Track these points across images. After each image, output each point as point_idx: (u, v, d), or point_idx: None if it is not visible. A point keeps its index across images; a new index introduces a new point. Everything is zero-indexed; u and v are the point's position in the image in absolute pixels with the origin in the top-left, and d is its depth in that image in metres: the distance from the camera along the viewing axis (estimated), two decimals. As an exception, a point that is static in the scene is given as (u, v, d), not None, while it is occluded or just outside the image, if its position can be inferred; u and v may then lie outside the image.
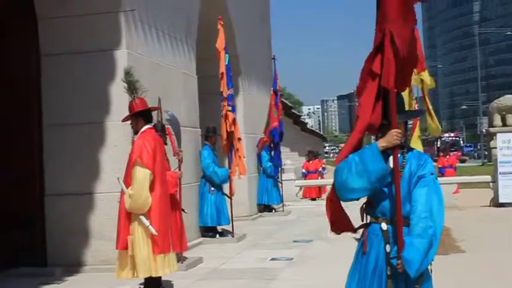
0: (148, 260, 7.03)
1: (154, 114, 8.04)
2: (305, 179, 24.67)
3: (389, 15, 4.03)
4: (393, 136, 4.01)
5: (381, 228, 4.13)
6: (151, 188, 7.06)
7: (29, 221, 9.47)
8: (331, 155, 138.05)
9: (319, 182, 24.22)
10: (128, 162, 7.20)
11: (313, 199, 23.16)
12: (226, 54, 12.00)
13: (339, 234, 4.52)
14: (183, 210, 9.37)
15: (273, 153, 17.20)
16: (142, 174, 6.96)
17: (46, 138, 9.49)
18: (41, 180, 9.49)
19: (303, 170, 25.69)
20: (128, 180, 7.10)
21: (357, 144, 4.17)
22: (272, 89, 17.54)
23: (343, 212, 4.35)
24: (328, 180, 25.21)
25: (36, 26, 9.51)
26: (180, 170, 9.12)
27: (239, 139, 12.47)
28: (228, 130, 12.03)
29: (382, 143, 4.04)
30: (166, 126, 9.00)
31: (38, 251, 9.36)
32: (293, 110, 38.24)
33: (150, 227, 6.98)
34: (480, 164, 54.16)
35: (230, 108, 12.04)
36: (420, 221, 3.93)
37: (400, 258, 3.90)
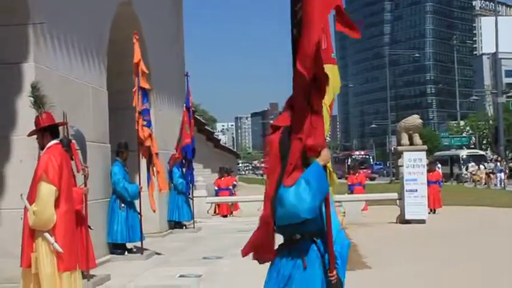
0: (53, 278, 6.88)
1: (61, 129, 7.92)
2: (217, 196, 24.70)
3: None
4: (328, 155, 4.18)
5: (316, 243, 4.24)
6: (57, 205, 6.91)
7: None
8: (245, 171, 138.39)
9: (230, 199, 24.32)
10: (33, 178, 7.06)
11: (225, 216, 23.22)
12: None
13: (261, 263, 4.51)
14: (89, 226, 9.24)
15: (185, 169, 17.18)
16: (47, 191, 6.83)
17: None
18: None
19: (215, 187, 25.72)
20: (32, 196, 6.95)
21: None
22: (184, 105, 17.54)
23: (273, 236, 4.36)
24: (239, 198, 25.41)
25: None
26: (86, 186, 9.00)
27: (156, 154, 12.39)
28: (145, 145, 12.03)
29: (320, 161, 4.14)
30: (72, 141, 8.87)
31: None
32: (206, 127, 38.28)
33: (55, 244, 6.84)
34: (388, 181, 55.50)
35: (145, 123, 12.00)
36: (338, 235, 4.24)
37: (332, 270, 4.14)
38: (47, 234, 6.85)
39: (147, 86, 12.23)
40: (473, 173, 49.99)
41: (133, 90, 12.06)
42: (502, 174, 45.59)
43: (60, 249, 6.84)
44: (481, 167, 50.08)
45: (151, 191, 12.33)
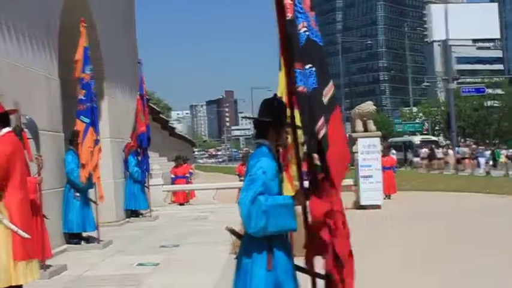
0: (8, 268, 6.79)
1: (13, 118, 7.78)
2: (173, 184, 24.60)
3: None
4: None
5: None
6: (11, 193, 6.82)
7: None
8: (201, 160, 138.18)
9: (186, 187, 24.26)
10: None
11: (181, 204, 23.15)
12: (83, 58, 11.81)
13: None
14: (44, 216, 9.12)
15: (140, 158, 17.06)
16: None
17: None
18: None
19: (171, 175, 25.61)
20: None
21: None
22: (138, 93, 17.40)
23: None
24: (195, 185, 25.37)
25: None
26: (39, 175, 8.87)
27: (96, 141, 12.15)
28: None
29: (296, 204, 4.26)
30: (23, 130, 8.72)
31: None
32: (161, 115, 38.08)
33: (20, 231, 6.75)
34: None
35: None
36: None
37: None
38: (8, 223, 6.74)
39: (82, 76, 11.95)
40: (432, 158, 49.26)
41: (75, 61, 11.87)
42: (483, 159, 44.30)
43: (26, 235, 6.75)
44: (450, 151, 49.71)
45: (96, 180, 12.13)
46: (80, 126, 11.83)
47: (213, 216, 17.06)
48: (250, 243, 4.29)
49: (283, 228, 4.20)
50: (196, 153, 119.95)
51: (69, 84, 12.78)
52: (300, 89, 4.09)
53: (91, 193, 12.20)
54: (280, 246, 4.31)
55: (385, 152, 24.15)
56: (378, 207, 18.95)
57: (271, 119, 4.43)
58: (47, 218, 9.31)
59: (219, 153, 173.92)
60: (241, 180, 21.00)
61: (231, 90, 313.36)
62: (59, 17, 12.43)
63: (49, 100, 11.56)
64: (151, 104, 25.84)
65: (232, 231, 4.67)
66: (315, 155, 4.12)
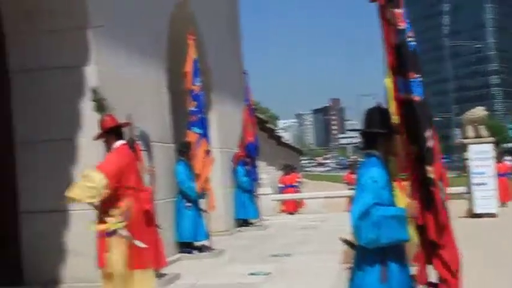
0: (125, 276, 6.95)
1: (126, 130, 7.97)
2: (282, 193, 24.63)
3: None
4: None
5: None
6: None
7: (4, 239, 9.33)
8: (308, 168, 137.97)
9: (295, 195, 24.23)
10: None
11: (291, 213, 23.11)
12: (193, 70, 11.97)
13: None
14: (158, 226, 9.28)
15: (249, 167, 17.17)
16: (97, 176, 6.84)
17: (19, 155, 9.38)
18: (15, 198, 9.35)
19: (280, 184, 25.65)
20: None
21: None
22: (245, 103, 17.55)
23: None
24: (304, 194, 25.28)
25: (2, 41, 9.40)
26: (152, 186, 9.03)
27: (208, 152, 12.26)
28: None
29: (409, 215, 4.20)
30: (136, 142, 8.93)
31: (13, 270, 9.21)
32: (268, 124, 38.22)
33: (136, 241, 6.93)
34: (456, 175, 54.45)
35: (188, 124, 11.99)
36: None
37: None
38: (125, 233, 6.92)
39: (193, 87, 12.11)
40: None
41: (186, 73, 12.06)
42: None
43: (142, 245, 6.93)
44: None
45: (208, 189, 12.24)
46: (192, 137, 11.99)
47: (323, 225, 16.91)
48: (363, 255, 4.20)
49: (396, 240, 4.10)
50: (303, 161, 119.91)
51: (177, 95, 13.01)
52: (416, 98, 4.04)
53: (202, 203, 12.34)
54: (395, 257, 4.19)
55: (499, 158, 23.32)
56: (493, 215, 18.30)
57: (379, 129, 4.32)
58: (160, 228, 9.47)
59: (326, 161, 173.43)
60: (350, 189, 20.80)
61: (337, 98, 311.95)
62: (167, 29, 12.68)
63: (159, 112, 11.80)
64: (257, 114, 25.95)
65: (346, 242, 4.58)
66: (429, 168, 4.02)
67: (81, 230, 8.90)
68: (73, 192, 6.90)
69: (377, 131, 4.33)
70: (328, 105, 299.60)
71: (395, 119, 4.32)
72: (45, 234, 9.18)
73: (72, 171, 9.06)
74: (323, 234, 14.41)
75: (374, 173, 4.18)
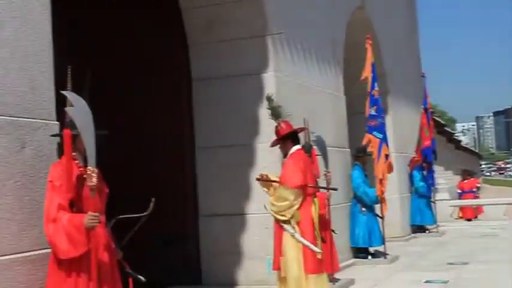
0: (300, 280, 7.07)
1: (301, 135, 8.09)
2: (460, 199, 23.90)
3: None
4: None
5: None
6: (303, 209, 7.17)
7: (185, 241, 9.75)
8: (489, 173, 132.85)
9: (474, 201, 23.39)
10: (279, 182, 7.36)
11: (469, 220, 22.36)
12: (372, 74, 11.93)
13: None
14: (333, 231, 9.33)
15: (425, 172, 16.85)
16: (284, 192, 7.07)
17: (198, 159, 9.76)
18: (195, 200, 9.76)
19: (458, 190, 24.91)
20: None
21: None
22: (422, 107, 17.24)
23: None
24: (483, 200, 24.35)
25: (185, 51, 9.84)
26: (328, 191, 9.09)
27: (377, 160, 12.06)
28: (368, 151, 11.91)
29: None
30: (312, 147, 9.03)
31: (192, 270, 9.60)
32: (446, 128, 37.21)
33: (311, 245, 7.04)
34: None
35: (367, 128, 11.87)
36: None
37: None
38: (299, 237, 7.06)
39: (373, 92, 12.03)
40: None
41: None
42: None
43: (317, 250, 7.03)
44: None
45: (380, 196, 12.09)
46: (373, 141, 11.91)
47: (504, 233, 16.20)
48: None
49: None
50: (483, 166, 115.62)
51: (352, 100, 13.01)
52: None
53: (377, 208, 12.25)
54: None
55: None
56: None
57: None
58: (335, 233, 9.52)
59: (508, 166, 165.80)
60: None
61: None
62: (344, 34, 12.73)
63: (335, 117, 11.86)
64: (435, 117, 25.35)
65: None
66: None
67: (256, 233, 9.17)
68: (270, 209, 7.22)
69: None
70: (510, 107, 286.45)
71: None
72: (223, 237, 9.49)
73: (250, 176, 9.29)
74: (504, 243, 13.80)
75: None
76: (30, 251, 4.77)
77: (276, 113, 7.57)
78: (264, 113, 9.09)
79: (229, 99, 9.57)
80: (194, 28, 9.75)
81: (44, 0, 5.22)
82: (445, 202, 20.44)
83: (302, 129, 8.25)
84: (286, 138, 7.47)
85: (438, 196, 18.96)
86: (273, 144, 7.69)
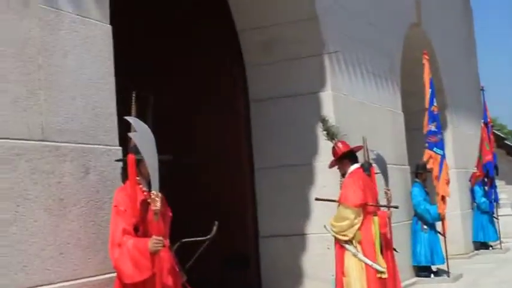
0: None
1: (360, 153, 8.04)
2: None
3: None
4: None
5: None
6: (363, 228, 7.14)
7: (247, 261, 9.75)
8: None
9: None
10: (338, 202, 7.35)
11: (534, 235, 21.82)
12: (430, 90, 11.80)
13: None
14: (394, 249, 9.21)
15: (487, 187, 16.52)
16: (344, 213, 7.05)
17: (257, 179, 9.77)
18: (255, 221, 9.75)
19: (521, 205, 24.34)
20: None
21: None
22: (482, 121, 16.98)
23: None
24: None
25: (242, 72, 9.89)
26: (389, 209, 8.98)
27: (437, 177, 11.78)
28: (428, 167, 11.70)
29: None
30: (372, 165, 8.95)
31: (255, 290, 9.60)
32: (506, 141, 36.50)
33: (374, 264, 7.01)
34: None
35: (427, 145, 11.70)
36: None
37: None
38: (362, 257, 7.03)
39: (432, 108, 11.89)
40: None
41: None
42: None
43: (380, 268, 6.99)
44: None
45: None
46: (435, 158, 11.72)
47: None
48: None
49: None
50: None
51: (409, 116, 12.89)
52: None
53: (438, 225, 12.06)
54: None
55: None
56: None
57: None
58: (397, 252, 9.39)
59: None
60: None
61: None
62: (401, 50, 12.64)
63: (394, 134, 11.75)
64: (495, 131, 24.91)
65: None
66: None
67: (317, 253, 9.11)
68: (331, 229, 7.26)
69: None
70: None
71: None
72: (283, 257, 9.44)
73: (308, 195, 9.26)
74: None
75: None
76: (95, 275, 4.84)
77: (331, 134, 7.56)
78: (321, 132, 9.09)
79: (286, 119, 9.56)
80: (250, 48, 9.81)
81: (106, 28, 5.33)
82: (508, 218, 19.97)
83: (359, 148, 8.20)
84: (344, 158, 7.47)
85: (501, 212, 18.53)
86: (331, 165, 7.68)
